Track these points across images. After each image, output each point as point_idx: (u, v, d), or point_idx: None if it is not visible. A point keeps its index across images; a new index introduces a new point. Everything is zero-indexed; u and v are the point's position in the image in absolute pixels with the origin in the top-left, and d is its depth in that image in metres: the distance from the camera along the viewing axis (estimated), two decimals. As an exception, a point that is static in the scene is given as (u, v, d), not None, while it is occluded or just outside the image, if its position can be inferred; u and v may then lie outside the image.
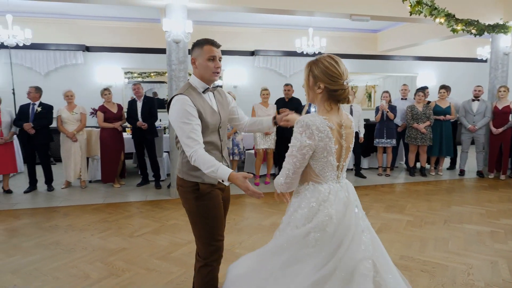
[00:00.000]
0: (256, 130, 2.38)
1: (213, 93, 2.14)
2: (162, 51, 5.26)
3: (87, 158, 6.03)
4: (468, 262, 3.13)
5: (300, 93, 6.50)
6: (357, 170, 6.60)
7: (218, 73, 2.02)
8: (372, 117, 7.10)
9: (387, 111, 6.33)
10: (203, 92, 2.04)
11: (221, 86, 9.07)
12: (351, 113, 6.27)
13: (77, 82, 8.03)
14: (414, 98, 6.65)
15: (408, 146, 6.67)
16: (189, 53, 2.19)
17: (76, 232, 3.84)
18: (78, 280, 2.82)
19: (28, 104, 5.48)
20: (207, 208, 2.01)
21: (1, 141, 5.28)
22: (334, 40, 9.15)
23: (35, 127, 5.34)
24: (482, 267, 3.03)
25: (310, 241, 1.59)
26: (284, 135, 5.81)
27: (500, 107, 6.23)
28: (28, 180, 5.58)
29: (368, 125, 6.92)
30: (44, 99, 5.65)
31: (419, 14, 3.52)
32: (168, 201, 4.99)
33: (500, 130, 6.20)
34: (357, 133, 6.33)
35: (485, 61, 9.62)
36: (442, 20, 3.68)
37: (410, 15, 3.56)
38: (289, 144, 1.63)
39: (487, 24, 4.65)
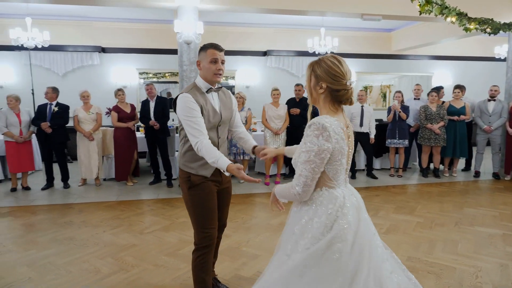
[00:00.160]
0: (240, 144, 2.45)
1: (218, 93, 2.28)
2: (176, 51, 5.35)
3: (102, 157, 6.19)
4: (477, 264, 3.09)
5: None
6: (368, 171, 6.55)
7: (220, 74, 2.18)
8: (386, 117, 7.03)
9: (399, 111, 6.27)
10: (207, 92, 2.20)
11: (233, 86, 9.14)
12: (362, 113, 6.24)
13: (93, 82, 8.24)
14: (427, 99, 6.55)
15: (421, 147, 6.58)
16: (200, 50, 2.31)
17: (89, 228, 3.96)
18: (89, 274, 2.92)
19: (46, 104, 5.66)
20: (198, 198, 2.19)
21: (21, 140, 5.48)
22: (346, 40, 9.09)
23: (52, 126, 5.52)
24: (491, 270, 2.99)
25: (334, 252, 1.47)
26: (293, 135, 5.83)
27: (516, 107, 6.08)
28: (46, 177, 5.77)
29: (381, 125, 6.86)
30: (62, 99, 5.83)
31: (429, 14, 3.48)
32: (179, 200, 5.08)
33: (517, 131, 6.05)
34: (368, 134, 6.30)
35: (504, 60, 9.38)
36: (454, 19, 3.63)
37: (420, 14, 3.52)
38: (302, 150, 1.51)
39: (502, 22, 4.55)
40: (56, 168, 5.86)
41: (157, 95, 5.91)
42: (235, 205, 4.70)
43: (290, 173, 6.37)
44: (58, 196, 5.34)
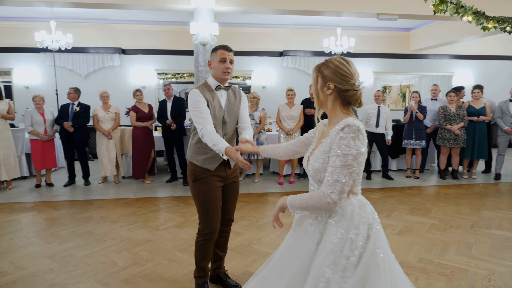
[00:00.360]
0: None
1: (227, 91, 2.42)
2: (193, 52, 5.46)
3: (121, 155, 6.38)
4: (491, 267, 3.04)
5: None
6: (384, 172, 6.49)
7: (228, 73, 2.34)
8: (403, 117, 6.95)
9: (416, 112, 6.18)
10: (216, 89, 2.37)
11: (249, 87, 9.21)
12: (379, 114, 6.19)
13: (113, 83, 8.50)
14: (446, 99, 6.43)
15: (439, 148, 6.47)
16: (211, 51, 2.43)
17: (108, 224, 4.11)
18: (106, 267, 3.05)
19: (68, 104, 5.89)
20: (201, 192, 2.36)
21: (46, 138, 5.73)
22: (363, 39, 9.01)
23: (73, 125, 5.74)
24: (505, 274, 2.94)
25: (378, 262, 1.42)
26: (308, 135, 5.84)
27: (540, 108, 5.89)
28: (68, 174, 6.00)
29: (397, 126, 6.79)
30: (84, 99, 6.05)
31: (443, 13, 3.44)
32: (194, 198, 5.18)
33: (540, 132, 5.87)
34: (384, 135, 6.24)
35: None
36: (470, 18, 3.56)
37: (434, 14, 3.48)
38: (336, 153, 1.39)
39: (524, 20, 4.42)
40: (77, 165, 6.09)
41: (174, 95, 6.04)
42: (249, 204, 4.77)
43: (304, 174, 6.39)
44: (79, 192, 5.55)
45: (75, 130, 5.77)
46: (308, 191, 1.56)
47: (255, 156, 5.96)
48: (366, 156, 1.45)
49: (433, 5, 3.32)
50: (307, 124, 5.92)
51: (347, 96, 1.50)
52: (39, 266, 3.07)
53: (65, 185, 5.87)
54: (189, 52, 8.40)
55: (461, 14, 3.45)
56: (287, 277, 1.50)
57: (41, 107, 5.75)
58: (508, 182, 6.18)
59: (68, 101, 5.95)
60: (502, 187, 5.93)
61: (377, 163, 6.87)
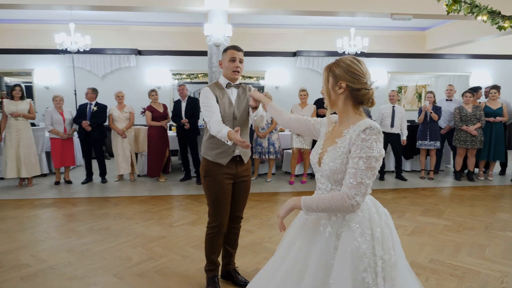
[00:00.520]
0: (255, 123, 2.55)
1: (238, 89, 2.53)
2: (207, 53, 5.55)
3: (136, 154, 6.54)
4: (504, 270, 3.01)
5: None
6: (397, 173, 6.44)
7: (237, 72, 2.45)
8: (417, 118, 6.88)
9: (431, 112, 6.12)
10: (226, 87, 2.49)
11: (263, 87, 9.27)
12: (393, 114, 6.16)
13: (129, 83, 8.69)
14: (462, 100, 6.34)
15: (455, 149, 6.39)
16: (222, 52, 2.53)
17: (123, 220, 4.23)
18: (122, 262, 3.15)
19: (86, 104, 6.07)
20: (210, 185, 2.47)
21: (65, 136, 5.92)
22: (377, 39, 8.95)
23: (91, 124, 5.91)
24: (518, 276, 2.90)
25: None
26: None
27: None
28: (86, 172, 6.18)
29: (412, 126, 6.73)
30: (101, 99, 6.22)
31: (457, 13, 3.41)
32: (207, 196, 5.27)
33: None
34: (399, 135, 6.20)
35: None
36: (485, 17, 3.52)
37: (447, 14, 3.46)
38: (359, 155, 1.37)
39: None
40: (95, 164, 6.27)
41: (189, 96, 6.15)
42: (261, 203, 4.82)
43: None
44: (96, 189, 5.71)
45: (93, 129, 5.94)
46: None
47: (267, 155, 6.01)
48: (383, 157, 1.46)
49: (446, 5, 3.30)
50: (320, 124, 5.92)
51: (359, 95, 1.48)
52: (58, 259, 3.20)
53: (82, 183, 6.05)
54: (203, 53, 8.51)
55: (475, 14, 3.42)
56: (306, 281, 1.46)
57: (60, 107, 5.94)
58: (526, 184, 6.06)
59: (86, 101, 6.13)
60: (519, 189, 5.81)
61: (390, 164, 6.83)
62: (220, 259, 2.77)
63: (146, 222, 4.16)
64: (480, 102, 6.44)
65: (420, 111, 6.36)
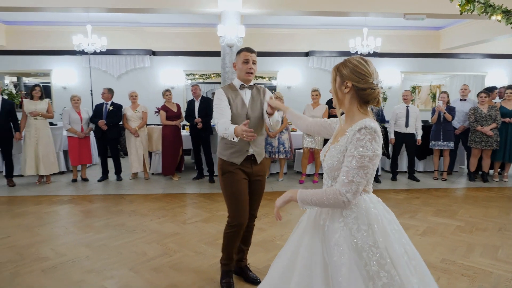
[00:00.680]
0: (271, 128, 2.65)
1: (252, 90, 2.59)
2: (220, 53, 5.64)
3: (150, 153, 6.66)
4: (517, 270, 3.00)
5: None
6: (410, 173, 6.41)
7: (250, 73, 2.52)
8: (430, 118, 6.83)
9: (444, 112, 6.07)
10: (240, 88, 2.56)
11: (275, 87, 9.31)
12: (407, 114, 6.12)
13: (143, 83, 8.84)
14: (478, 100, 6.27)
15: (470, 149, 6.32)
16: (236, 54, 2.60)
17: (138, 217, 4.34)
18: (137, 256, 3.25)
19: (102, 104, 6.22)
20: (228, 183, 2.52)
21: (82, 135, 6.09)
22: (390, 39, 8.90)
23: (107, 123, 6.06)
24: (532, 277, 2.89)
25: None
26: (332, 135, 5.88)
27: None
28: (101, 170, 6.34)
29: (425, 126, 6.68)
30: (116, 99, 6.37)
31: (471, 13, 3.40)
32: (220, 194, 5.35)
33: None
34: (413, 135, 6.16)
35: None
36: (499, 17, 3.49)
37: (461, 14, 3.44)
38: (353, 154, 1.42)
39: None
40: (110, 162, 6.42)
41: (202, 95, 6.24)
42: (272, 202, 4.87)
43: None
44: (112, 187, 5.86)
45: (109, 128, 6.09)
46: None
47: (277, 155, 6.05)
48: (380, 157, 1.48)
49: (459, 5, 3.29)
50: (332, 124, 5.94)
51: (364, 95, 1.51)
52: (76, 253, 3.32)
53: (99, 180, 6.20)
54: (216, 53, 8.60)
55: (489, 14, 3.40)
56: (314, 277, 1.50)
57: (78, 106, 6.11)
58: (542, 186, 5.95)
59: (102, 101, 6.29)
60: (535, 191, 5.72)
61: (403, 164, 6.79)
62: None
63: (160, 219, 4.26)
64: (495, 102, 6.35)
65: (433, 111, 6.31)
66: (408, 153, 6.40)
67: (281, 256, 1.70)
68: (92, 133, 6.48)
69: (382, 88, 1.56)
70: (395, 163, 6.37)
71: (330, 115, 5.95)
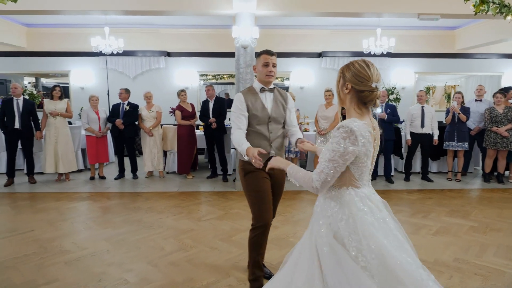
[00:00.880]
0: (291, 140, 2.65)
1: (273, 93, 2.60)
2: (233, 54, 5.73)
3: (165, 152, 6.80)
4: (531, 270, 2.99)
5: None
6: (423, 174, 6.39)
7: (271, 76, 2.52)
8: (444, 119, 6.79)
9: (459, 113, 6.03)
10: (260, 91, 2.56)
11: (288, 87, 9.37)
12: (423, 114, 6.11)
13: (158, 84, 9.02)
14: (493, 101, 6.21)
15: (485, 150, 6.26)
16: (255, 56, 2.65)
17: (155, 214, 4.47)
18: (155, 251, 3.37)
19: (119, 104, 6.39)
20: (251, 182, 2.52)
21: (100, 134, 6.27)
22: (404, 39, 8.85)
23: (124, 123, 6.22)
24: (546, 277, 2.89)
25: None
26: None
27: None
28: (118, 169, 6.50)
29: (440, 127, 6.63)
30: (132, 99, 6.52)
31: (485, 13, 3.40)
32: (233, 193, 5.45)
33: None
34: (429, 135, 6.13)
35: None
36: (515, 17, 3.48)
37: (475, 14, 3.45)
38: (329, 148, 1.58)
39: None
40: (126, 161, 6.58)
41: (216, 96, 6.35)
42: (285, 201, 4.94)
43: None
44: (128, 185, 6.01)
45: (125, 128, 6.25)
46: None
47: (287, 154, 6.10)
48: (366, 154, 1.58)
49: (474, 5, 3.30)
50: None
51: (362, 97, 1.63)
52: (97, 247, 3.45)
53: (115, 178, 6.37)
54: (230, 54, 8.71)
55: (504, 14, 3.39)
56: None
57: (96, 106, 6.29)
58: (559, 187, 5.86)
59: (118, 101, 6.45)
60: (552, 192, 5.64)
61: (416, 165, 6.76)
62: None
63: (176, 216, 4.38)
64: (511, 103, 6.28)
65: (447, 111, 6.28)
66: (422, 154, 6.38)
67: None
68: (109, 132, 6.65)
69: (382, 88, 1.64)
70: (409, 164, 6.36)
71: (343, 115, 5.96)
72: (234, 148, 6.72)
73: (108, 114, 6.49)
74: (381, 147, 6.17)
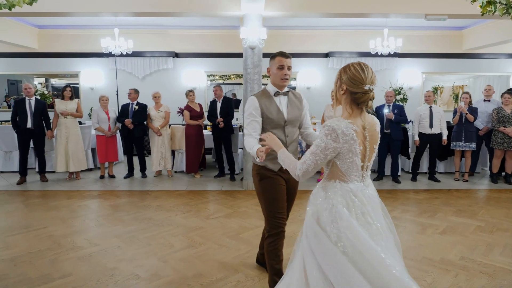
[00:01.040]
0: (307, 142, 2.67)
1: (287, 96, 2.53)
2: (240, 55, 5.80)
3: (173, 151, 6.89)
4: (537, 269, 3.01)
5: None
6: (431, 174, 6.39)
7: (286, 79, 2.44)
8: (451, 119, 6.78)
9: (466, 113, 6.03)
10: (274, 95, 2.48)
11: (294, 88, 9.41)
12: (431, 114, 6.12)
13: (166, 84, 9.12)
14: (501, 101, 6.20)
15: (492, 150, 6.25)
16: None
17: (164, 212, 4.55)
18: (165, 248, 3.44)
19: (128, 104, 6.49)
20: (267, 187, 2.44)
21: (109, 134, 6.38)
22: (411, 40, 8.84)
23: (133, 122, 6.32)
24: (552, 276, 2.90)
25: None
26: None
27: None
28: (127, 168, 6.61)
29: (447, 127, 6.63)
30: (140, 99, 6.62)
31: (492, 14, 3.41)
32: (241, 192, 5.52)
33: None
34: (438, 135, 6.14)
35: None
36: (522, 18, 3.49)
37: (482, 15, 3.46)
38: (314, 142, 1.76)
39: None
40: (135, 160, 6.69)
41: (224, 96, 6.42)
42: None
43: None
44: (137, 184, 6.11)
45: (135, 127, 6.35)
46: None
47: (300, 154, 6.16)
48: (350, 151, 1.70)
49: (481, 6, 3.32)
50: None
51: (356, 98, 1.75)
52: (109, 243, 3.54)
53: (125, 177, 6.48)
54: (237, 55, 8.79)
55: (511, 14, 3.41)
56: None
57: (106, 106, 6.40)
58: None
59: (127, 101, 6.55)
60: (561, 193, 5.61)
61: (424, 165, 6.76)
62: (259, 246, 2.95)
63: (185, 214, 4.45)
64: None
65: (455, 112, 6.27)
66: (430, 154, 6.39)
67: None
68: (118, 132, 6.76)
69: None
70: (417, 164, 6.37)
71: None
72: (242, 148, 6.79)
73: (117, 114, 6.60)
74: (383, 146, 5.99)
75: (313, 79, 9.34)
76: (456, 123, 6.21)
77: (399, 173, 6.49)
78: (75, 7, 5.79)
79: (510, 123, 5.92)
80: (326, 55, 9.29)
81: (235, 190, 5.66)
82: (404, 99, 8.47)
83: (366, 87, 1.73)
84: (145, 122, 6.50)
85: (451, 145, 6.30)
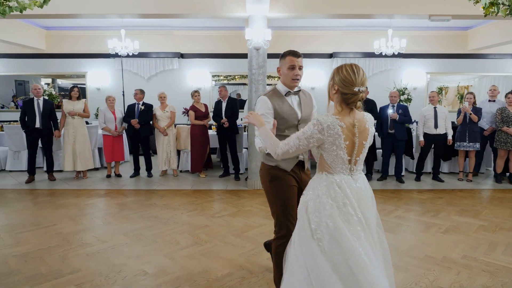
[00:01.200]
0: None
1: (299, 95, 2.46)
2: (245, 55, 5.86)
3: (179, 151, 6.97)
4: (539, 268, 3.04)
5: (374, 94, 6.56)
6: (434, 174, 6.41)
7: (297, 80, 2.37)
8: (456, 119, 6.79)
9: (470, 113, 6.04)
10: (285, 95, 2.41)
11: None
12: (436, 114, 6.13)
13: (172, 85, 9.20)
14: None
15: (497, 151, 6.26)
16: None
17: (170, 210, 4.62)
18: (171, 245, 3.51)
19: (134, 104, 6.58)
20: (278, 189, 2.35)
21: (116, 134, 6.47)
22: (415, 40, 8.85)
23: (139, 122, 6.41)
24: (554, 275, 2.93)
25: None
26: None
27: None
28: (133, 167, 6.69)
29: (451, 127, 6.64)
30: (146, 100, 6.71)
31: (495, 15, 3.44)
32: (245, 191, 5.58)
33: None
34: (443, 135, 6.15)
35: None
36: (525, 19, 3.51)
37: (485, 16, 3.49)
38: (302, 129, 1.90)
39: None
40: (141, 159, 6.77)
41: (229, 96, 6.49)
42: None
43: (366, 173, 6.48)
44: (143, 183, 6.19)
45: (141, 127, 6.43)
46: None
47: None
48: (334, 144, 1.82)
49: (483, 7, 3.35)
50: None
51: (346, 98, 1.87)
52: (116, 240, 3.61)
53: (131, 176, 6.56)
54: (242, 56, 8.85)
55: (514, 15, 3.43)
56: None
57: (113, 106, 6.49)
58: None
59: (133, 101, 6.64)
60: None
61: (428, 165, 6.78)
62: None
63: (190, 213, 4.53)
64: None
65: (459, 112, 6.29)
66: (435, 154, 6.40)
67: None
68: (124, 131, 6.85)
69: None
70: (421, 164, 6.39)
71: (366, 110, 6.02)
72: (246, 148, 6.85)
73: (123, 114, 6.69)
74: (387, 146, 5.99)
75: (317, 79, 9.38)
76: (460, 123, 6.22)
77: (403, 173, 6.52)
78: (82, 9, 5.89)
79: (514, 123, 5.93)
80: (331, 56, 9.33)
81: (240, 189, 5.73)
82: (408, 99, 8.48)
83: (356, 89, 1.83)
84: (151, 122, 6.59)
85: (455, 145, 6.32)
